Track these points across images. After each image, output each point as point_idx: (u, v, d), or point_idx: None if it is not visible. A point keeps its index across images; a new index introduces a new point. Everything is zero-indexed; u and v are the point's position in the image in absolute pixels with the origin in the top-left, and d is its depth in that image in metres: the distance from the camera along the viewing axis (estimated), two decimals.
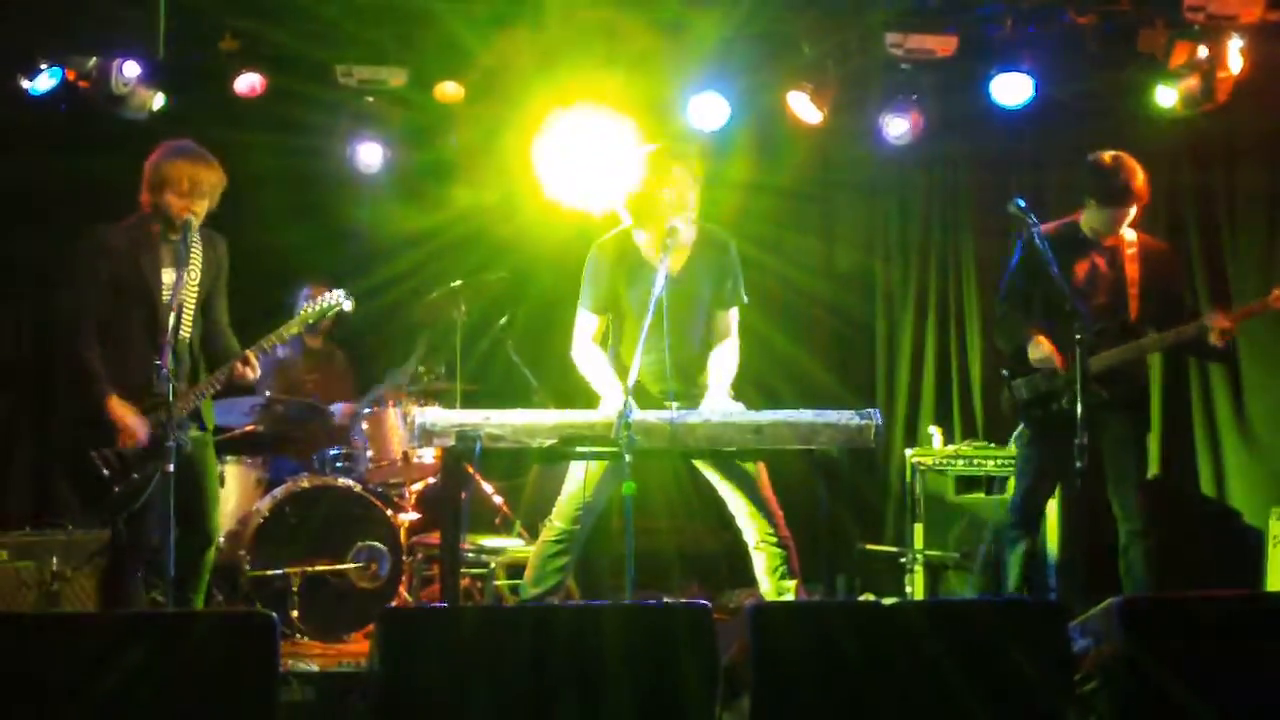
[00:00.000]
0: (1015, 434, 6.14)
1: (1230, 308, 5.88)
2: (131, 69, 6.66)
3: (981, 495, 6.89)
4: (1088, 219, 5.84)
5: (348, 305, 5.49)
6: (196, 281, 5.20)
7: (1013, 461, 6.34)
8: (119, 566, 5.26)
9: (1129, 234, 5.84)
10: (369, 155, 7.25)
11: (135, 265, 5.15)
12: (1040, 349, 5.76)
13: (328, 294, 5.47)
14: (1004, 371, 5.97)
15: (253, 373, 5.25)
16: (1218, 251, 7.20)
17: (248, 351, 5.23)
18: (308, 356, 7.35)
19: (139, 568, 5.17)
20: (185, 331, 5.16)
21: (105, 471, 5.07)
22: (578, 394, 5.75)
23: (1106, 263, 5.83)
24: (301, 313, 5.44)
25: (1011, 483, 6.37)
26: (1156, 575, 5.68)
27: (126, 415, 5.06)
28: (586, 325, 5.40)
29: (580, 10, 6.87)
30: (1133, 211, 5.75)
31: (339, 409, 6.88)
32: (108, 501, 5.11)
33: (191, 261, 5.18)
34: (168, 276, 5.17)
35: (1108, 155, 5.74)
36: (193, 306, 5.18)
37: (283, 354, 7.27)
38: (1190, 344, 5.82)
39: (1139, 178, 5.70)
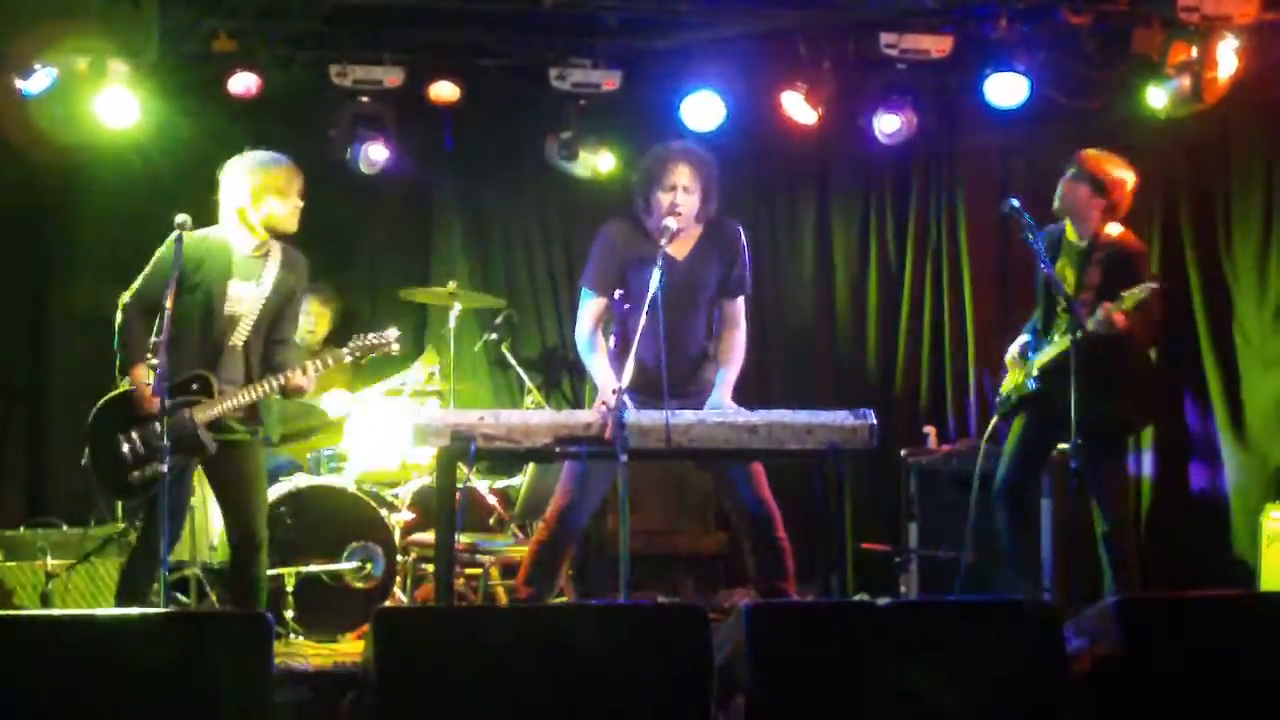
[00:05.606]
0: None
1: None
2: (122, 69, 6.63)
3: (976, 494, 6.86)
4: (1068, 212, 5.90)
5: (395, 349, 5.49)
6: (264, 297, 5.22)
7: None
8: (132, 570, 5.29)
9: (1114, 228, 5.84)
10: (365, 156, 7.22)
11: (204, 274, 5.14)
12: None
13: (380, 335, 5.45)
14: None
15: (307, 385, 5.27)
16: (1212, 252, 7.19)
17: (305, 363, 5.25)
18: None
19: (153, 575, 5.12)
20: (238, 340, 5.19)
21: (127, 452, 5.10)
22: (573, 393, 5.78)
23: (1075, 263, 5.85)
24: (353, 344, 5.43)
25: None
26: (1125, 577, 5.67)
27: (143, 381, 5.07)
28: (590, 308, 5.41)
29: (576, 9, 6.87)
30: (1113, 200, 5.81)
31: (336, 398, 6.82)
32: (123, 486, 5.15)
33: (264, 278, 5.22)
34: (236, 289, 5.19)
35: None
36: (253, 320, 5.19)
37: None
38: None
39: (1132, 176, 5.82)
